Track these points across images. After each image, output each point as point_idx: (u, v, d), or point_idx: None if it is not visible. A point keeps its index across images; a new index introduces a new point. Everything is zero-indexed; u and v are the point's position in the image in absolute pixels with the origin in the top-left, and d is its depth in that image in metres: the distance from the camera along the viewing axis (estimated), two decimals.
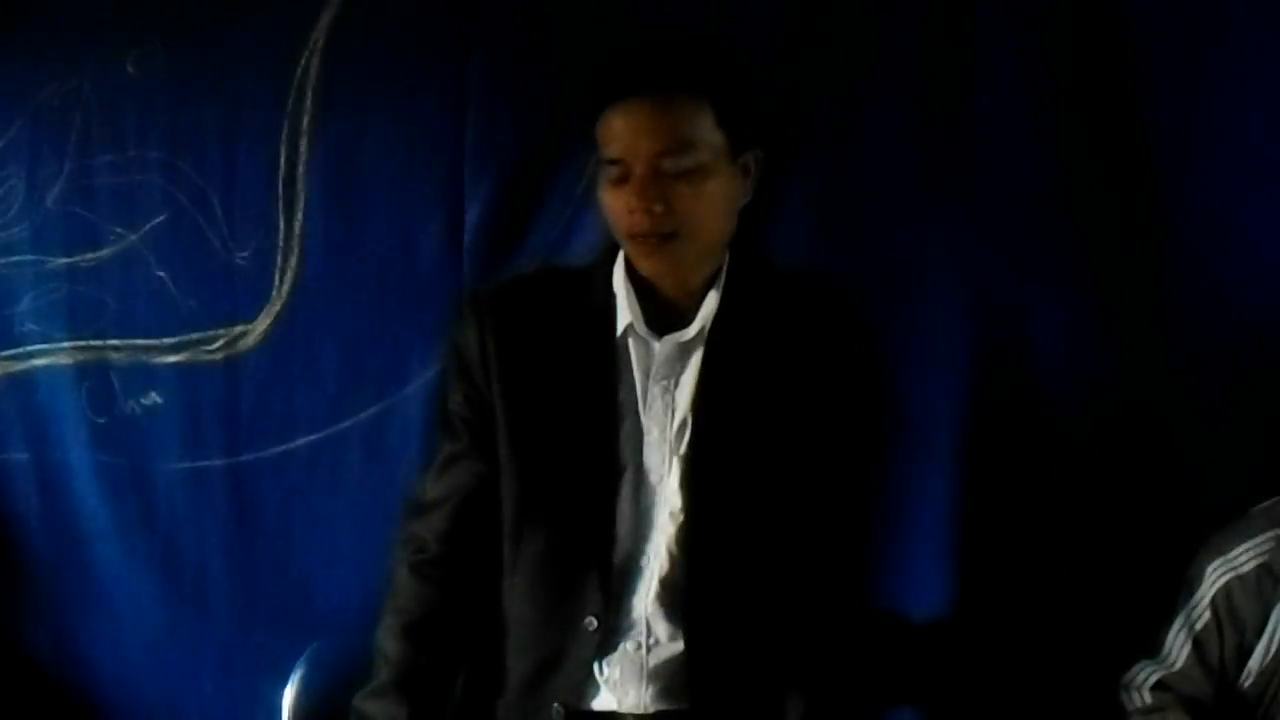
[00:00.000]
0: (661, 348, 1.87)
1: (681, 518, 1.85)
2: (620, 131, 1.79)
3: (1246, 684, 2.04)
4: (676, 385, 1.87)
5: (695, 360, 1.87)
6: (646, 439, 1.87)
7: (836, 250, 2.45)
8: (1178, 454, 2.35)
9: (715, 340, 1.86)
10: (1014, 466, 2.43)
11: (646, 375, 1.87)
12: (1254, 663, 2.02)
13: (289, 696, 2.35)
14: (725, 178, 1.83)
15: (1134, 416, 2.39)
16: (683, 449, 1.85)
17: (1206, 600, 2.05)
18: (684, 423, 1.86)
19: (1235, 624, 2.04)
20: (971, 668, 2.39)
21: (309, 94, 2.63)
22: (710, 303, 1.87)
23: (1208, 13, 2.33)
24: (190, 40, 2.71)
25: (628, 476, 1.87)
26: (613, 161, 1.81)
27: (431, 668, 1.93)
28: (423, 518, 1.97)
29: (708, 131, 1.79)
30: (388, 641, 1.93)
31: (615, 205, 1.83)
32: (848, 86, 2.44)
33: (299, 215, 2.66)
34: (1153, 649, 2.10)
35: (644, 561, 1.86)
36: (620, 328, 1.88)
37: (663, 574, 1.86)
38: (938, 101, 2.42)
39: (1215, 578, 2.05)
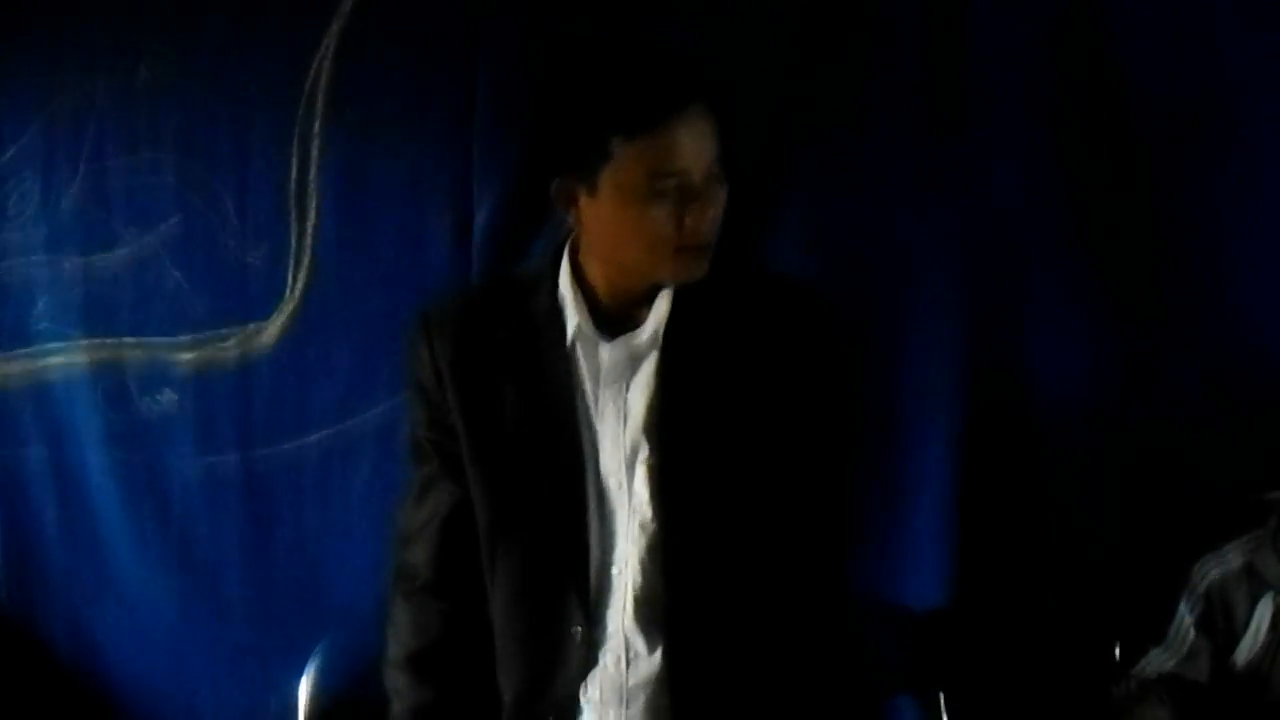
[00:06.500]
0: (611, 351, 1.82)
1: (653, 528, 1.81)
2: (682, 142, 1.70)
3: (1234, 671, 2.16)
4: (628, 389, 1.82)
5: (649, 365, 1.81)
6: (601, 445, 1.82)
7: (834, 253, 2.48)
8: (1171, 452, 2.39)
9: (671, 343, 1.80)
10: (1010, 465, 2.46)
11: (596, 380, 1.82)
12: (1239, 656, 2.15)
13: (304, 687, 2.39)
14: None
15: (1128, 415, 2.43)
16: (645, 456, 1.81)
17: (1201, 590, 2.19)
18: (640, 429, 1.81)
19: (1226, 612, 2.17)
20: (971, 657, 2.44)
21: (320, 98, 2.67)
22: (663, 305, 1.81)
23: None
24: (202, 45, 2.75)
25: (590, 486, 1.83)
26: (668, 174, 1.70)
27: (440, 699, 1.89)
28: (409, 546, 1.93)
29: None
30: (393, 675, 1.91)
31: (662, 218, 1.72)
32: (844, 96, 2.47)
33: (311, 216, 2.70)
34: (1159, 638, 2.22)
35: (615, 573, 1.83)
36: (570, 333, 1.83)
37: (637, 587, 1.81)
38: (934, 110, 2.46)
39: (1208, 570, 2.20)
